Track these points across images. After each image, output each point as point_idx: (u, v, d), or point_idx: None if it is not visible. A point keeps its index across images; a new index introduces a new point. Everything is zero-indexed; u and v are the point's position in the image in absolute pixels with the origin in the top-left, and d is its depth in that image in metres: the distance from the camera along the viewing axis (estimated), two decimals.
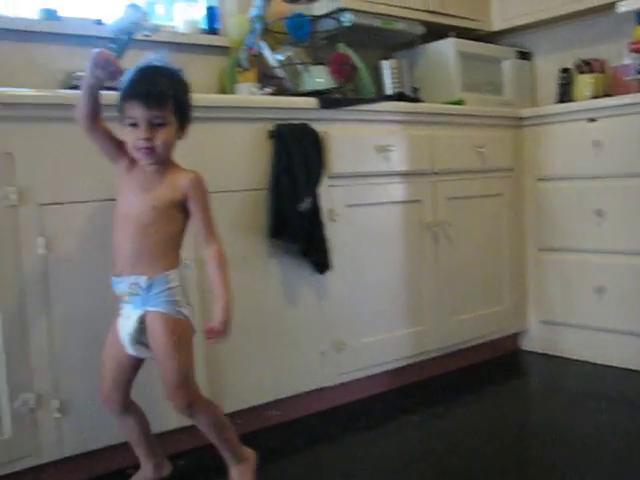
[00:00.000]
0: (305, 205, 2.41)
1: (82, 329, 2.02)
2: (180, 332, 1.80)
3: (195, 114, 2.22)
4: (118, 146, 1.82)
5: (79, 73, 2.54)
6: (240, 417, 2.39)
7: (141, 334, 1.81)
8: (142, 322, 1.79)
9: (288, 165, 2.40)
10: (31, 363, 1.96)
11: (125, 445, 2.04)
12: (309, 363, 2.56)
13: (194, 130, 2.22)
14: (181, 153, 2.02)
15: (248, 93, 2.81)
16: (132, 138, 1.74)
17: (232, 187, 2.34)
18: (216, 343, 1.80)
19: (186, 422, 1.98)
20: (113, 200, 1.87)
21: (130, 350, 1.84)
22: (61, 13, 2.73)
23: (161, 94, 1.72)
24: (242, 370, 2.37)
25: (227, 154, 2.34)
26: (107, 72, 1.71)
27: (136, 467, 2.05)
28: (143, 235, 1.77)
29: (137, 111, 1.71)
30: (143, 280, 1.77)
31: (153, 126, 1.72)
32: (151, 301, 1.78)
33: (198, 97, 2.34)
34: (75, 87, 2.40)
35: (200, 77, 3.05)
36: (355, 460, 2.26)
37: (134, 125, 1.72)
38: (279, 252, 2.46)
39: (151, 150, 1.73)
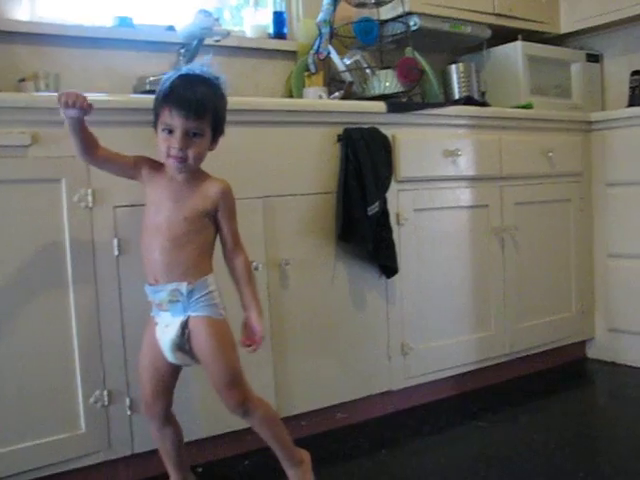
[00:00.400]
0: (374, 209, 2.40)
1: None
2: (224, 333, 1.79)
3: (265, 118, 2.26)
4: (128, 165, 1.81)
5: (152, 78, 2.60)
6: (306, 419, 2.41)
7: (183, 340, 1.78)
8: (184, 328, 1.77)
9: (356, 169, 2.40)
10: (105, 361, 2.01)
11: (192, 443, 2.08)
12: (376, 366, 2.56)
13: (263, 134, 2.27)
14: (249, 157, 2.04)
15: (316, 97, 2.83)
16: (165, 145, 1.70)
17: (300, 191, 2.36)
18: (254, 351, 1.81)
19: None
20: None
21: (170, 358, 1.81)
22: (134, 20, 2.79)
23: (202, 106, 1.69)
24: (309, 373, 2.38)
25: (296, 158, 2.35)
26: (79, 108, 1.65)
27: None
28: (176, 246, 1.75)
29: (175, 120, 1.67)
30: (184, 287, 1.75)
31: (189, 136, 1.70)
32: (192, 306, 1.76)
33: (267, 101, 2.39)
34: (147, 92, 2.46)
35: (267, 81, 3.10)
36: (420, 464, 2.25)
37: (169, 132, 1.70)
38: (346, 256, 2.46)
39: (183, 159, 1.71)
